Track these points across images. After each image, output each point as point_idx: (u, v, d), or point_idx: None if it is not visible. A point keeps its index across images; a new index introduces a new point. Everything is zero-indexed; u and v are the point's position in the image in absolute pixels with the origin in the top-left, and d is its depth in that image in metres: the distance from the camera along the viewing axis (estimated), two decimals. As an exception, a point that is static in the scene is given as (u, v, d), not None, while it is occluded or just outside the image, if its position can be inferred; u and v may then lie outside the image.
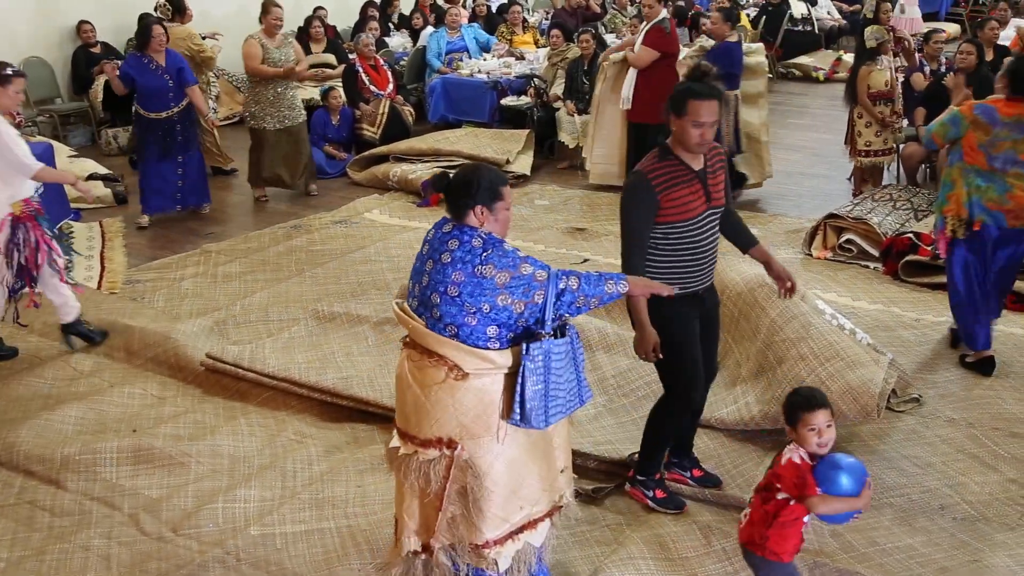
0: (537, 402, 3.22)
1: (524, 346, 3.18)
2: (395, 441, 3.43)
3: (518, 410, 3.22)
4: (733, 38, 8.22)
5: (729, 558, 3.90)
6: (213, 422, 5.04)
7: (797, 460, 3.21)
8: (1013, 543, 3.95)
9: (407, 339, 3.40)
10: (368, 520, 4.20)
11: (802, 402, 3.27)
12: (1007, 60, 5.68)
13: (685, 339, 3.97)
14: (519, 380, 3.20)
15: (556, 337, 3.24)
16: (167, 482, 4.52)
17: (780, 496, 3.25)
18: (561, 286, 3.21)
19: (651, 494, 4.26)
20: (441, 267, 3.21)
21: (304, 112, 8.95)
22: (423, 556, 3.45)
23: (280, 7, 8.60)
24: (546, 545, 3.62)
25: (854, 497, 3.14)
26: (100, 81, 10.55)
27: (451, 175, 3.37)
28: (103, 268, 7.22)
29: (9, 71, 5.55)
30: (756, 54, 9.19)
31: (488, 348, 3.22)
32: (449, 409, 3.25)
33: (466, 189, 3.28)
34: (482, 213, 3.27)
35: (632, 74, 8.37)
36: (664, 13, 8.35)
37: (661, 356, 3.85)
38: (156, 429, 4.94)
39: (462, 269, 3.17)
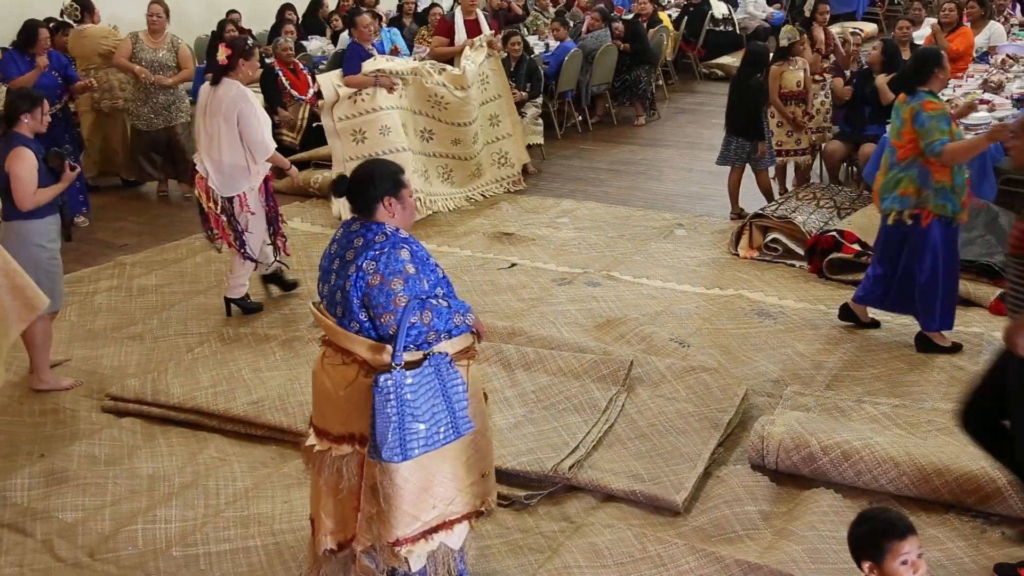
0: (390, 436, 3.13)
1: (374, 377, 3.14)
2: (311, 439, 3.45)
3: (371, 442, 3.17)
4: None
5: (664, 563, 3.86)
6: (131, 441, 4.85)
7: None
8: (944, 538, 3.99)
9: (324, 337, 3.42)
10: (296, 536, 4.08)
11: (885, 528, 2.54)
12: None
13: None
14: (372, 412, 3.14)
15: (413, 368, 3.17)
16: (82, 505, 4.34)
17: None
18: (413, 319, 3.15)
19: None
20: (344, 264, 3.23)
21: (183, 115, 8.65)
22: (340, 555, 3.46)
23: (157, 3, 8.47)
24: (466, 549, 3.59)
25: None
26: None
27: (348, 176, 3.37)
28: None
29: (250, 42, 6.16)
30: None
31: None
32: (360, 406, 3.23)
33: (369, 184, 3.29)
34: (390, 204, 3.30)
35: None
36: None
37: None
38: (70, 448, 4.75)
39: (361, 264, 3.17)
